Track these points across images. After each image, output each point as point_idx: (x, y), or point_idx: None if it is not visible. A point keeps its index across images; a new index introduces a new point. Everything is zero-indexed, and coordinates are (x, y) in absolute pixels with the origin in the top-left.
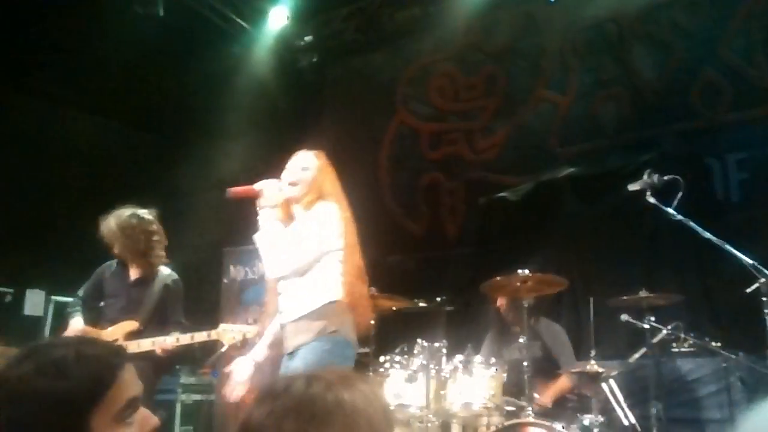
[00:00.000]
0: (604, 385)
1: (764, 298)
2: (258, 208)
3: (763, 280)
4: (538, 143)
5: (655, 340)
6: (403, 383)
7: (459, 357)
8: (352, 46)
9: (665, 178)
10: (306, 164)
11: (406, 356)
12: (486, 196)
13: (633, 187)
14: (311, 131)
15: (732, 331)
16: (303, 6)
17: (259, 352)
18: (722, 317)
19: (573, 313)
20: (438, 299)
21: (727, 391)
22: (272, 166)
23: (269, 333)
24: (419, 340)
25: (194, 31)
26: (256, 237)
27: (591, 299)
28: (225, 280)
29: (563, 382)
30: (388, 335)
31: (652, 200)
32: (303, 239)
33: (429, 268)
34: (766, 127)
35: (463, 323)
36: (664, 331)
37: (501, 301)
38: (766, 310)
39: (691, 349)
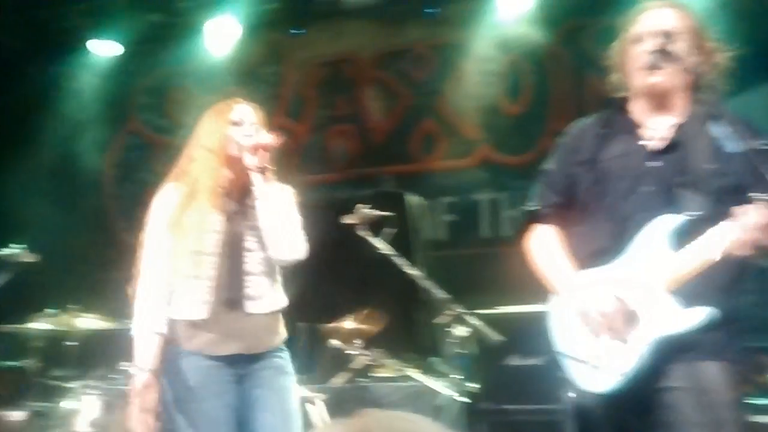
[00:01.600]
0: (309, 408)
1: (451, 329)
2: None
3: (451, 312)
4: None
5: (357, 365)
6: (100, 411)
7: None
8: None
9: (378, 213)
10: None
11: (106, 381)
12: None
13: (348, 219)
14: (24, 129)
15: (425, 359)
16: None
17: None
18: (419, 345)
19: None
20: None
21: (419, 413)
22: None
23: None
24: (122, 364)
25: None
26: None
27: (303, 324)
28: None
29: None
30: (94, 357)
31: (363, 233)
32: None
33: None
34: (471, 175)
35: None
36: (366, 357)
37: None
38: (451, 340)
39: (390, 375)
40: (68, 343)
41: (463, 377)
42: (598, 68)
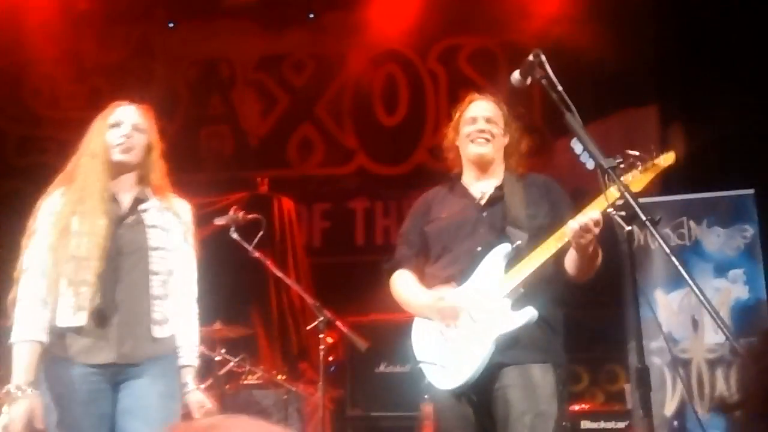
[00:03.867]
0: None
1: (321, 335)
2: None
3: (321, 318)
4: None
5: (222, 371)
6: None
7: None
8: None
9: (249, 216)
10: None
11: None
12: None
13: (219, 221)
14: None
15: (294, 365)
16: None
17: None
18: (286, 351)
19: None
20: None
21: (285, 420)
22: None
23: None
24: None
25: None
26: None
27: None
28: None
29: None
30: None
31: (234, 236)
32: None
33: None
34: (347, 183)
35: None
36: (232, 363)
37: None
38: (321, 346)
39: (259, 381)
40: None
41: (329, 383)
42: (472, 85)
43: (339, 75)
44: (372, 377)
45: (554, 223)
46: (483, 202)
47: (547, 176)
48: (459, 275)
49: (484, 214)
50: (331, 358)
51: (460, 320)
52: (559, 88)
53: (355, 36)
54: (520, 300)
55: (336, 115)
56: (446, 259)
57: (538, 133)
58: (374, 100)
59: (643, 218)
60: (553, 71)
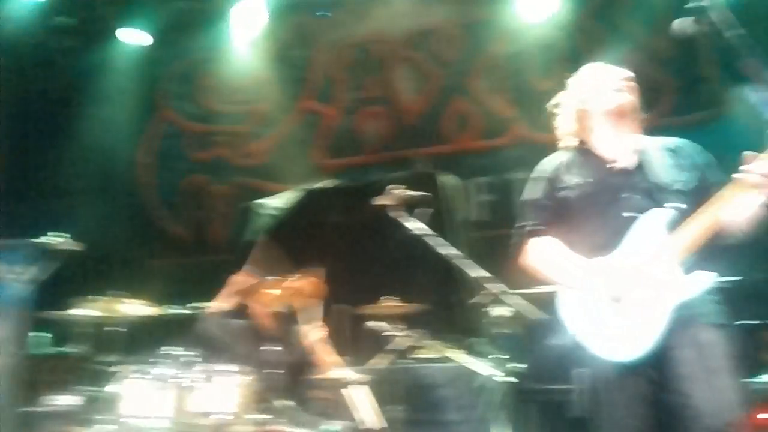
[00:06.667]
0: (348, 390)
1: (484, 309)
2: None
3: (488, 292)
4: (303, 152)
5: (398, 347)
6: (146, 393)
7: (202, 365)
8: (114, 34)
9: (412, 194)
10: None
11: (151, 364)
12: (250, 202)
13: (380, 201)
14: (60, 120)
15: (470, 339)
16: None
17: None
18: (460, 325)
19: (325, 320)
20: (194, 305)
21: (460, 396)
22: None
23: None
24: (165, 348)
25: None
26: None
27: (339, 307)
28: None
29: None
30: (141, 342)
31: (395, 214)
32: None
33: (193, 274)
34: (506, 154)
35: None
36: (407, 338)
37: (254, 308)
38: (488, 320)
39: (432, 356)
40: (113, 328)
41: (506, 357)
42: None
43: (490, 44)
44: (548, 349)
45: (701, 185)
46: (621, 166)
47: (684, 139)
48: (607, 242)
49: (625, 178)
50: (503, 332)
51: (630, 289)
52: (734, 33)
53: (504, 1)
54: (692, 265)
55: (490, 85)
56: (590, 226)
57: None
58: (528, 67)
59: None
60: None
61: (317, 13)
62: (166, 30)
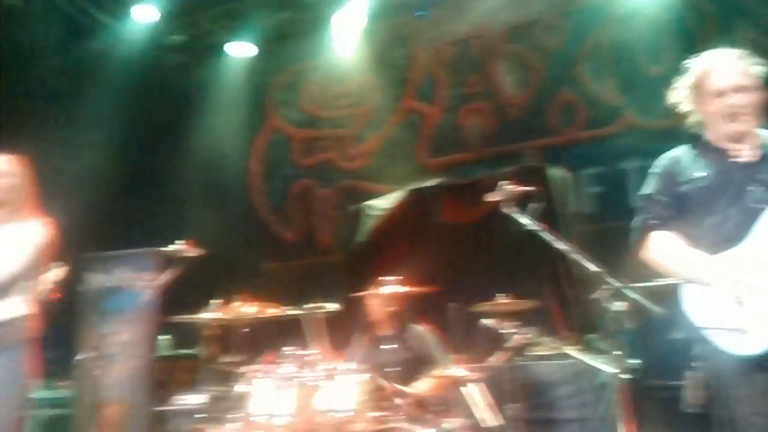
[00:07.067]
0: (465, 389)
1: (605, 305)
2: None
3: (605, 287)
4: (406, 152)
5: (512, 344)
6: (270, 392)
7: (325, 364)
8: (222, 48)
9: (523, 189)
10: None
11: (275, 364)
12: (357, 204)
13: (491, 197)
14: (176, 133)
15: (586, 335)
16: (171, 4)
17: None
18: (575, 322)
19: (437, 319)
20: (311, 306)
21: (578, 393)
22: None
23: None
24: (286, 348)
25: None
26: None
27: (454, 305)
28: (79, 288)
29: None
30: (260, 343)
31: (507, 210)
32: None
33: (304, 275)
34: (616, 143)
35: (338, 330)
36: (522, 336)
37: (369, 308)
38: (605, 316)
39: (547, 353)
40: (238, 330)
41: (624, 353)
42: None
43: (592, 31)
44: (669, 344)
45: None
46: (744, 159)
47: None
48: (733, 235)
49: (749, 171)
50: (621, 327)
51: (758, 281)
52: None
53: None
54: None
55: (595, 73)
56: (714, 219)
57: None
58: (636, 52)
59: None
60: None
61: (416, 13)
62: (270, 40)
